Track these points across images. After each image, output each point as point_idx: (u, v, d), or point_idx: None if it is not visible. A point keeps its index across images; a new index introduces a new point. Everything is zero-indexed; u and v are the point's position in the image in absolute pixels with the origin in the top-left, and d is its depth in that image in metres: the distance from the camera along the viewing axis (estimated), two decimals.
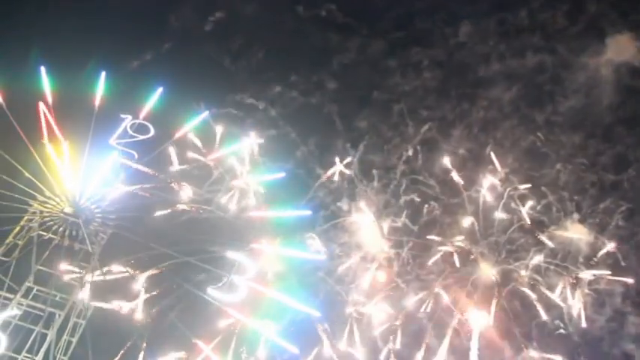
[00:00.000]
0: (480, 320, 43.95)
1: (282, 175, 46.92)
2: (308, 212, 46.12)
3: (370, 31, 51.49)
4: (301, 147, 48.27)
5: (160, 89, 46.99)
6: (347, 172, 48.34)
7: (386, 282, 46.25)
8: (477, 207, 47.47)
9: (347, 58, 51.13)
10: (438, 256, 46.62)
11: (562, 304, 45.45)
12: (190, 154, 46.13)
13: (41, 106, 43.43)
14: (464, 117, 50.24)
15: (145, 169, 43.82)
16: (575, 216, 47.28)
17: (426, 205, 47.84)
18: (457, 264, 46.65)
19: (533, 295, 45.63)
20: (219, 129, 47.09)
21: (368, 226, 47.38)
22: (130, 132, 45.12)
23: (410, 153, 48.74)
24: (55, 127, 43.01)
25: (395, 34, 51.68)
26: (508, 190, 47.44)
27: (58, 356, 37.51)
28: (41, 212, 40.67)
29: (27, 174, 40.82)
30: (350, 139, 49.23)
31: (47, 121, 43.22)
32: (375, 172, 48.60)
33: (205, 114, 46.80)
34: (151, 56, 49.16)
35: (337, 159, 48.39)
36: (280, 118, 48.68)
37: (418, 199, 47.97)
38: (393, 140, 49.64)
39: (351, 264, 46.48)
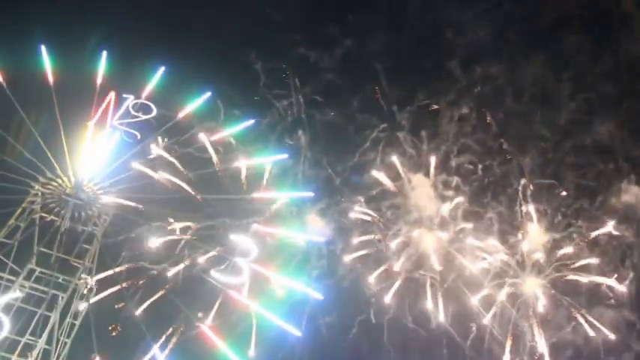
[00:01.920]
0: None
1: (285, 156, 46.39)
2: (310, 194, 45.74)
3: None
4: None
5: (162, 69, 46.49)
6: None
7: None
8: None
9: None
10: None
11: None
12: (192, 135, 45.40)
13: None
14: None
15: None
16: None
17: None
18: None
19: None
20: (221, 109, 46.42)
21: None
22: (133, 112, 44.64)
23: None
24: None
25: None
26: None
27: (61, 338, 37.41)
28: (43, 194, 40.27)
29: (28, 155, 40.46)
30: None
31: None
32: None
33: (207, 95, 46.16)
34: (153, 35, 48.52)
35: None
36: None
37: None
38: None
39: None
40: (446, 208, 46.95)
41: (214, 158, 43.81)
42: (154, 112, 44.96)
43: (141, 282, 40.29)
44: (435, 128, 47.89)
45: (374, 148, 47.38)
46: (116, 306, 40.05)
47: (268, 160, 45.70)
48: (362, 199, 46.86)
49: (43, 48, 43.81)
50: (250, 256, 41.07)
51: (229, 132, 45.31)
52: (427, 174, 47.39)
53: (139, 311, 39.24)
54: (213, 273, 40.53)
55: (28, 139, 41.39)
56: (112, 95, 44.42)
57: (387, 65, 48.23)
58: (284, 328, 39.66)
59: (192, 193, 42.18)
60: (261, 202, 44.17)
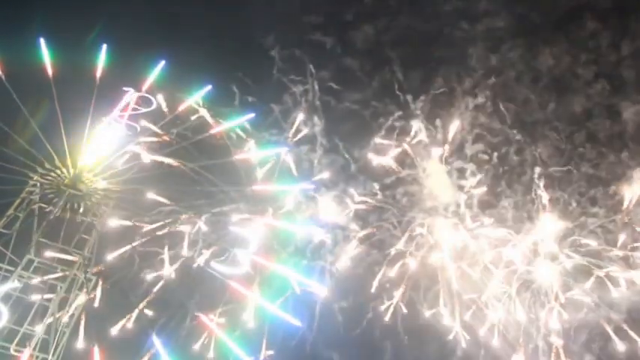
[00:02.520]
0: None
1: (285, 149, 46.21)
2: (311, 186, 45.53)
3: None
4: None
5: (163, 62, 46.44)
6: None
7: None
8: None
9: None
10: None
11: None
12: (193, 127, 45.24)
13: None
14: None
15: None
16: None
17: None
18: None
19: None
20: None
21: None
22: (133, 105, 44.54)
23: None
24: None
25: None
26: None
27: (60, 329, 37.06)
28: (42, 184, 40.09)
29: (27, 146, 40.33)
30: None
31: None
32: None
33: (208, 88, 46.08)
34: (154, 29, 48.47)
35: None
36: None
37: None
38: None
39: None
40: (461, 197, 46.76)
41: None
42: (155, 105, 44.93)
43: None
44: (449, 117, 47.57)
45: (389, 136, 47.10)
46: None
47: (275, 151, 45.76)
48: (377, 187, 46.52)
49: (42, 41, 43.79)
50: (252, 248, 40.81)
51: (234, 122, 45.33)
52: (442, 161, 47.20)
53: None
54: (214, 264, 40.15)
55: (27, 131, 41.30)
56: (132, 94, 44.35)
57: (403, 52, 48.13)
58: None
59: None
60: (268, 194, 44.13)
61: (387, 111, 47.18)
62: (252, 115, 46.53)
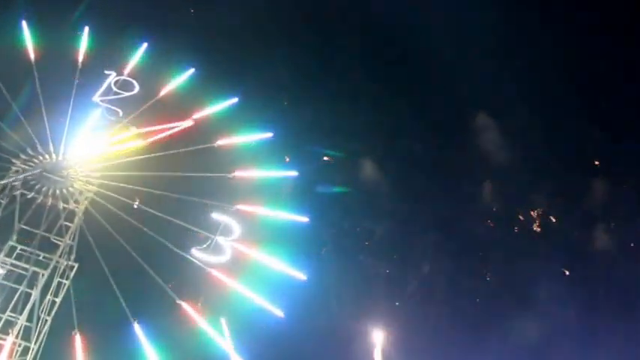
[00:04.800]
0: None
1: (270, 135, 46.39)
2: (294, 173, 45.74)
3: None
4: None
5: (145, 45, 46.17)
6: None
7: None
8: None
9: None
10: None
11: None
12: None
13: None
14: None
15: None
16: None
17: None
18: None
19: None
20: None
21: None
22: (115, 89, 44.35)
23: None
24: None
25: None
26: None
27: (42, 316, 37.40)
28: (24, 171, 40.05)
29: (8, 131, 40.22)
30: None
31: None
32: None
33: (191, 71, 45.94)
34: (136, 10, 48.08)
35: None
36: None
37: None
38: None
39: None
40: None
41: None
42: (137, 89, 44.78)
43: None
44: None
45: None
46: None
47: (253, 138, 45.82)
48: None
49: (24, 24, 43.37)
50: (233, 235, 41.13)
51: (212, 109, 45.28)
52: None
53: None
54: (195, 252, 40.43)
55: (8, 116, 41.11)
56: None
57: None
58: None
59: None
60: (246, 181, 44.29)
61: None
62: (235, 99, 46.61)
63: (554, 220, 50.89)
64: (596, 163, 51.65)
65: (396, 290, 49.47)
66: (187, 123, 43.98)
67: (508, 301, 47.67)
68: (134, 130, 42.63)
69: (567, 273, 49.21)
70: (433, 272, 48.93)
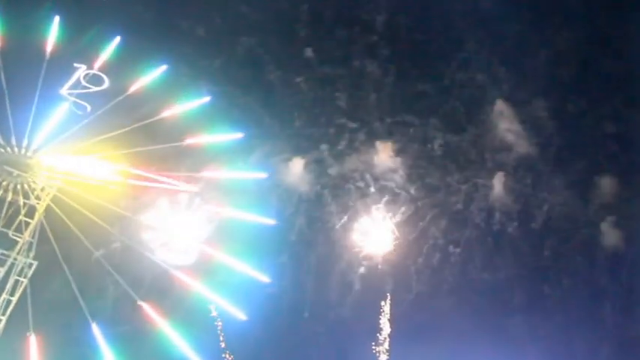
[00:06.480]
0: None
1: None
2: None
3: None
4: None
5: (118, 38, 45.04)
6: None
7: None
8: None
9: None
10: None
11: None
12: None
13: None
14: None
15: None
16: None
17: None
18: None
19: None
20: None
21: None
22: (84, 82, 43.19)
23: None
24: None
25: None
26: None
27: None
28: None
29: None
30: None
31: None
32: None
33: (163, 68, 44.93)
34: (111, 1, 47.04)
35: None
36: None
37: None
38: None
39: None
40: None
41: None
42: (106, 84, 43.67)
43: None
44: None
45: None
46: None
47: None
48: None
49: None
50: (198, 236, 40.45)
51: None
52: None
53: None
54: (159, 253, 39.67)
55: None
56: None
57: None
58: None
59: None
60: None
61: None
62: (207, 98, 45.67)
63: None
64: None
65: None
66: (192, 187, 42.63)
67: None
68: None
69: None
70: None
